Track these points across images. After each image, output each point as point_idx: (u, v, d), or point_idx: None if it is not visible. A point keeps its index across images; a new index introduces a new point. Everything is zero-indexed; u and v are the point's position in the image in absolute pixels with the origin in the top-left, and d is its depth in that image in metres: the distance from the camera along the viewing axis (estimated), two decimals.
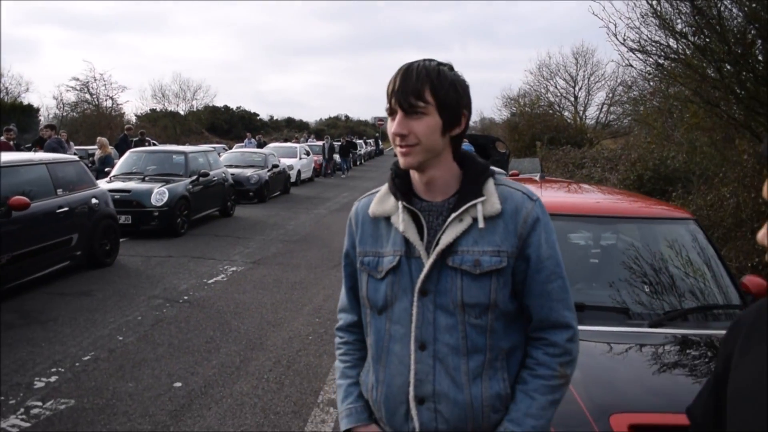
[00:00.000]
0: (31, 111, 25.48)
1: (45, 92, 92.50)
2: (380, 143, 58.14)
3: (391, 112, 1.56)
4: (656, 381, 2.48)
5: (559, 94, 35.11)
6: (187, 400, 4.40)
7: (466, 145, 7.29)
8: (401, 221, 1.62)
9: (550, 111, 32.85)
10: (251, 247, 10.21)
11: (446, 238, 1.56)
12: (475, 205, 1.56)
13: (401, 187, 1.66)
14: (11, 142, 11.98)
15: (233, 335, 5.82)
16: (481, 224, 1.55)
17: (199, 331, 5.92)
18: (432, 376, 1.57)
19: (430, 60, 1.60)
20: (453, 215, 1.57)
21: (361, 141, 44.38)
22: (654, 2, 8.23)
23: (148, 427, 4.00)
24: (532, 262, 1.56)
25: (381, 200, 1.71)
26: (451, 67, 1.60)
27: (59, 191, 7.67)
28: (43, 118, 26.58)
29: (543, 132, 25.92)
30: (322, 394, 4.57)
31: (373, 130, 74.81)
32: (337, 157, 29.66)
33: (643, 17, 8.57)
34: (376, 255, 1.67)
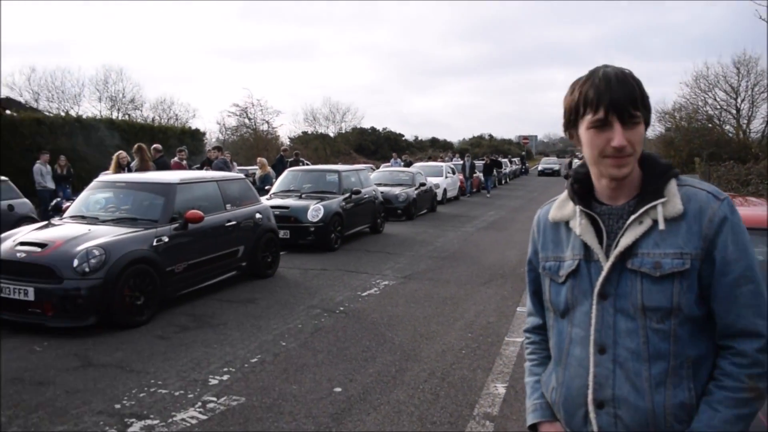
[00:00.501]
0: (198, 135, 27.64)
1: (208, 118, 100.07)
2: (525, 162, 57.28)
3: (603, 124, 1.51)
4: None
5: (719, 107, 32.70)
6: (347, 405, 4.55)
7: None
8: (578, 225, 1.62)
9: (710, 125, 30.78)
10: (401, 262, 10.40)
11: (625, 241, 1.54)
12: (655, 207, 1.53)
13: (579, 191, 1.66)
14: (183, 162, 13.09)
15: (388, 346, 5.95)
16: (661, 226, 1.51)
17: (356, 340, 6.11)
18: (611, 380, 1.54)
19: (611, 65, 1.58)
20: (632, 217, 1.55)
21: (505, 160, 43.90)
22: None
23: (311, 427, 4.18)
24: (717, 264, 1.48)
25: (560, 206, 1.73)
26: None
27: (228, 206, 8.27)
28: (208, 141, 28.74)
29: (702, 147, 24.37)
30: (477, 407, 4.55)
31: (518, 148, 73.79)
32: (480, 175, 29.54)
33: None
34: (557, 260, 1.69)
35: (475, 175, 28.77)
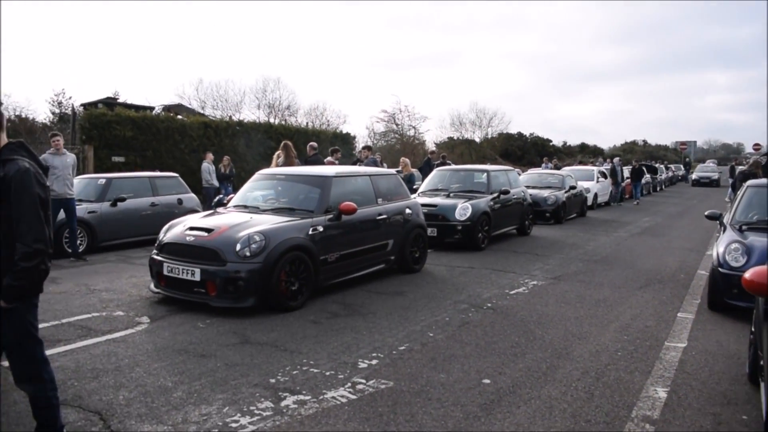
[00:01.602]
0: (348, 138, 28.57)
1: (358, 123, 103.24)
2: (689, 167, 53.44)
3: None
4: None
5: None
6: (496, 396, 4.46)
7: None
8: None
9: None
10: (551, 264, 10.09)
11: None
12: None
13: None
14: (336, 162, 13.53)
15: (538, 343, 5.78)
16: None
17: (504, 336, 5.99)
18: None
19: None
20: None
21: (661, 165, 41.42)
22: None
23: (459, 414, 4.14)
24: None
25: None
26: None
27: (379, 200, 8.43)
28: (358, 145, 29.60)
29: None
30: (635, 410, 4.29)
31: (675, 154, 69.39)
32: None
33: None
34: None
35: (627, 180, 27.24)
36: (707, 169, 47.05)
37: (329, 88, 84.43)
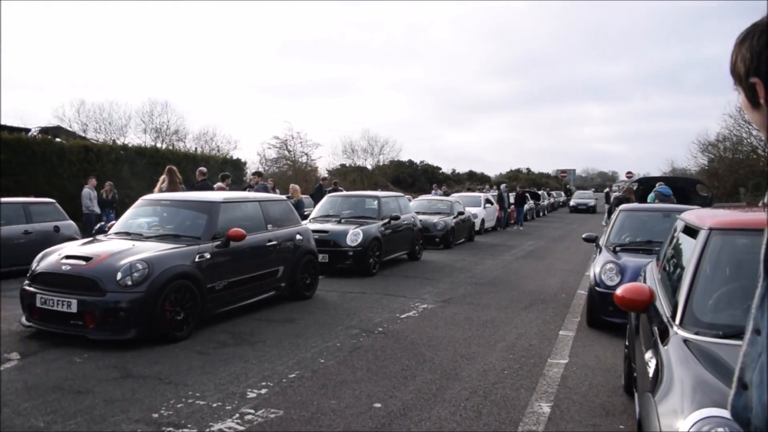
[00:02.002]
0: (239, 165, 28.11)
1: (249, 149, 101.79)
2: (571, 194, 56.09)
3: None
4: None
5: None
6: (387, 420, 4.45)
7: (663, 188, 6.84)
8: None
9: (754, 155, 30.09)
10: (440, 287, 10.28)
11: None
12: None
13: None
14: (226, 188, 13.24)
15: (428, 365, 5.84)
16: None
17: (395, 359, 6.01)
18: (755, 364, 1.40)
19: None
20: None
21: (544, 192, 43.54)
22: None
23: None
24: None
25: None
26: None
27: (269, 227, 8.30)
28: (249, 171, 29.17)
29: (747, 178, 23.77)
30: (521, 425, 4.40)
31: (556, 182, 73.11)
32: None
33: None
34: None
35: (512, 206, 28.26)
36: (584, 196, 47.56)
37: (219, 113, 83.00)
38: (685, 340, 2.77)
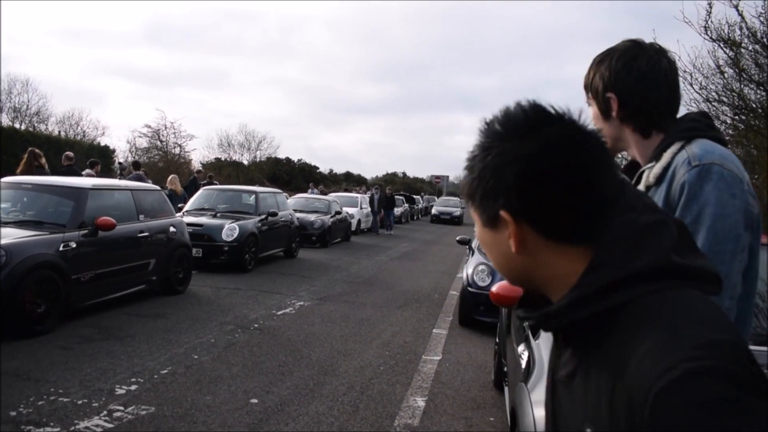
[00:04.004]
0: (107, 152, 26.66)
1: (115, 138, 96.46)
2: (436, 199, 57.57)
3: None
4: None
5: None
6: (265, 416, 4.41)
7: None
8: None
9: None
10: (317, 285, 10.29)
11: None
12: (644, 172, 1.55)
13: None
14: (95, 175, 12.52)
15: (305, 361, 5.83)
16: (641, 187, 1.52)
17: (272, 355, 5.95)
18: None
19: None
20: (633, 181, 1.58)
21: (419, 197, 44.59)
22: (730, 53, 8.18)
23: None
24: None
25: None
26: None
27: (141, 217, 7.95)
28: (117, 160, 27.72)
29: None
30: (398, 419, 4.51)
31: (430, 187, 75.18)
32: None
33: (719, 68, 8.52)
34: None
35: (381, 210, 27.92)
36: (449, 204, 38.28)
37: (85, 97, 78.17)
38: None
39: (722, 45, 8.23)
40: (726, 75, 8.37)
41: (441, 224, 33.80)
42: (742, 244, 1.40)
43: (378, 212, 24.57)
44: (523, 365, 2.98)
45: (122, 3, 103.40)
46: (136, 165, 13.66)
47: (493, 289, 3.62)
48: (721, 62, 8.38)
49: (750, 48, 7.80)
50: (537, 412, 2.43)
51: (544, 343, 2.94)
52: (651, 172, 1.51)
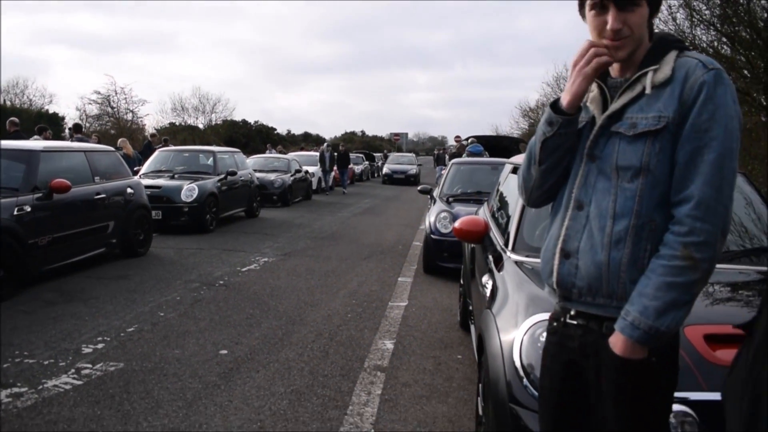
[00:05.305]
0: (56, 119, 25.86)
1: (64, 107, 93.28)
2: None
3: (600, 7, 1.58)
4: (723, 304, 2.50)
5: None
6: (235, 365, 4.44)
7: (473, 147, 7.29)
8: (589, 94, 1.70)
9: None
10: (280, 242, 10.27)
11: (614, 106, 1.61)
12: (646, 74, 1.58)
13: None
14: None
15: (272, 313, 5.86)
16: (647, 90, 1.56)
17: (239, 309, 5.96)
18: (580, 234, 1.64)
19: None
20: (625, 85, 1.62)
21: (380, 154, 44.45)
22: None
23: (198, 385, 4.04)
24: (685, 129, 1.51)
25: None
26: None
27: (96, 179, 7.78)
28: (66, 127, 26.89)
29: None
30: (367, 361, 4.59)
31: (389, 145, 75.01)
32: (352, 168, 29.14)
33: (670, 9, 8.62)
34: None
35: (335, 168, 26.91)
36: (402, 161, 33.53)
37: (28, 65, 75.40)
38: (517, 262, 3.03)
39: None
40: (677, 20, 8.52)
41: (395, 185, 29.50)
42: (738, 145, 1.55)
43: (330, 170, 23.36)
44: (488, 294, 3.05)
45: None
46: (77, 127, 13.05)
47: (456, 224, 3.68)
48: (673, 4, 8.50)
49: None
50: (503, 337, 2.50)
51: (507, 271, 3.01)
52: (658, 73, 1.57)
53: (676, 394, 1.68)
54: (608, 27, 1.56)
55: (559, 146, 1.67)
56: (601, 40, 1.60)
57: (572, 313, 1.69)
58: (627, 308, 1.53)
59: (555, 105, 1.66)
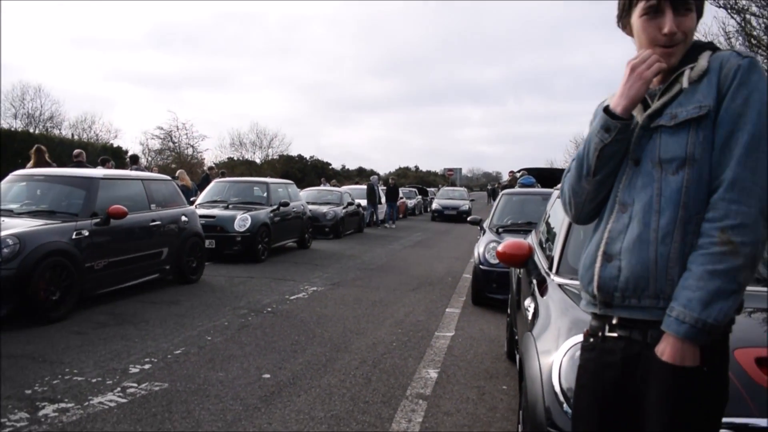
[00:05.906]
0: (120, 153, 26.83)
1: (128, 141, 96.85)
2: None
3: (656, 10, 1.56)
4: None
5: None
6: (277, 389, 4.43)
7: (525, 179, 7.19)
8: None
9: None
10: (330, 272, 10.31)
11: (654, 105, 1.58)
12: (683, 73, 1.56)
13: None
14: None
15: (318, 340, 5.85)
16: (684, 85, 1.54)
17: (285, 335, 5.97)
18: (623, 235, 1.58)
19: None
20: (662, 86, 1.59)
21: (433, 189, 44.58)
22: (740, 20, 8.08)
23: (239, 408, 4.04)
24: (720, 113, 1.49)
25: None
26: None
27: (153, 206, 8.00)
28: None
29: None
30: (410, 389, 4.52)
31: (443, 180, 75.04)
32: (406, 201, 29.33)
33: (727, 35, 8.42)
34: None
35: (401, 200, 28.16)
36: (454, 196, 31.46)
37: (97, 102, 78.84)
38: (561, 285, 2.94)
39: (729, 11, 8.13)
40: (735, 45, 8.29)
41: (445, 222, 27.29)
42: None
43: (373, 206, 22.14)
44: (530, 317, 2.97)
45: (125, 9, 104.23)
46: (133, 159, 13.55)
47: (500, 248, 3.61)
48: (730, 30, 8.30)
49: (758, 13, 7.71)
50: (543, 359, 2.42)
51: (550, 294, 2.93)
52: (695, 69, 1.55)
53: (724, 420, 1.57)
54: (665, 30, 1.54)
55: (616, 153, 1.62)
56: (654, 48, 1.57)
57: (613, 322, 1.61)
58: (671, 305, 1.46)
59: (608, 111, 1.62)
